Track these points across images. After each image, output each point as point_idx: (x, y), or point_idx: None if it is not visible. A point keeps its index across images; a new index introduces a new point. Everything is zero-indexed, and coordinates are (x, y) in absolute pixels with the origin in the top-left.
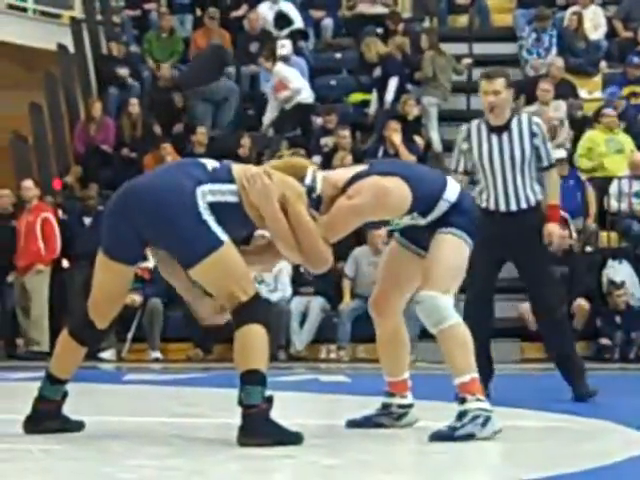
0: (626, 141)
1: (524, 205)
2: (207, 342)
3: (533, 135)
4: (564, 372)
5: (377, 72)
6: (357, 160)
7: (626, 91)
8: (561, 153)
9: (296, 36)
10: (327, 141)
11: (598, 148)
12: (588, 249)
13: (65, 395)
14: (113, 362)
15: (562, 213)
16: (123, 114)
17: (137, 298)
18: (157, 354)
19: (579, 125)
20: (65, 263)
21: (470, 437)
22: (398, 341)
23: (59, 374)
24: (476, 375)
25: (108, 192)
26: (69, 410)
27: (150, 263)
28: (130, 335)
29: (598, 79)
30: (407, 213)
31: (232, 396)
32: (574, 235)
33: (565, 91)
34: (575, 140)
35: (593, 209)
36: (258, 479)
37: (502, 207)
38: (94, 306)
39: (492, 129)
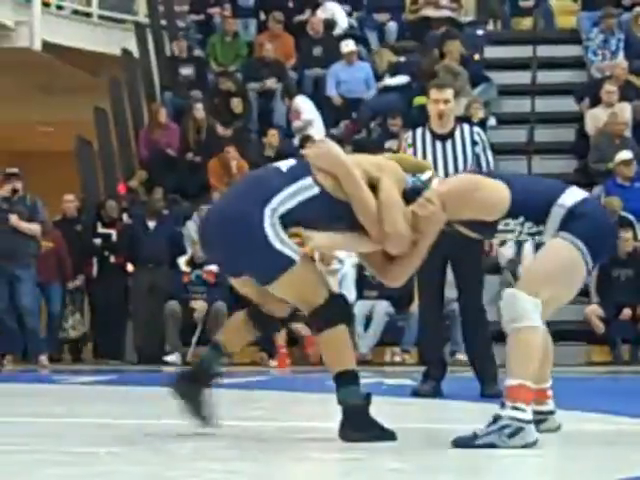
0: None
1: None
2: (272, 345)
3: (474, 143)
4: (478, 369)
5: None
6: None
7: None
8: (627, 154)
9: (358, 39)
10: (391, 144)
11: None
12: None
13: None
14: (178, 366)
15: (628, 215)
16: (188, 118)
17: (201, 305)
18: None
19: None
20: (130, 267)
21: (491, 446)
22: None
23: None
24: (527, 383)
25: (173, 196)
26: (132, 414)
27: (214, 267)
28: (195, 339)
29: None
30: (508, 216)
31: (297, 399)
32: None
33: (630, 93)
34: None
35: None
36: None
37: None
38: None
39: (437, 136)
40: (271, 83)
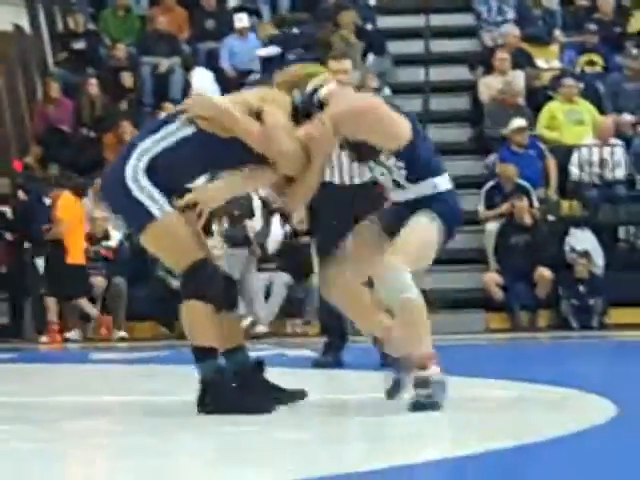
0: (587, 110)
1: (366, 178)
2: (172, 320)
3: None
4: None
5: None
6: None
7: (583, 59)
8: (521, 122)
9: (251, 11)
10: None
11: (557, 119)
12: (550, 218)
13: None
14: (79, 342)
15: (524, 183)
16: (82, 94)
17: (100, 280)
18: (122, 333)
19: (537, 95)
20: (26, 244)
21: (435, 405)
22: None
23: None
24: (428, 351)
25: (68, 172)
26: (32, 391)
27: (113, 242)
28: (95, 314)
29: (555, 48)
30: (396, 154)
31: (196, 373)
32: (535, 204)
33: (522, 60)
34: (535, 109)
35: (554, 179)
36: (228, 456)
37: (346, 180)
38: None
39: None
40: (166, 60)
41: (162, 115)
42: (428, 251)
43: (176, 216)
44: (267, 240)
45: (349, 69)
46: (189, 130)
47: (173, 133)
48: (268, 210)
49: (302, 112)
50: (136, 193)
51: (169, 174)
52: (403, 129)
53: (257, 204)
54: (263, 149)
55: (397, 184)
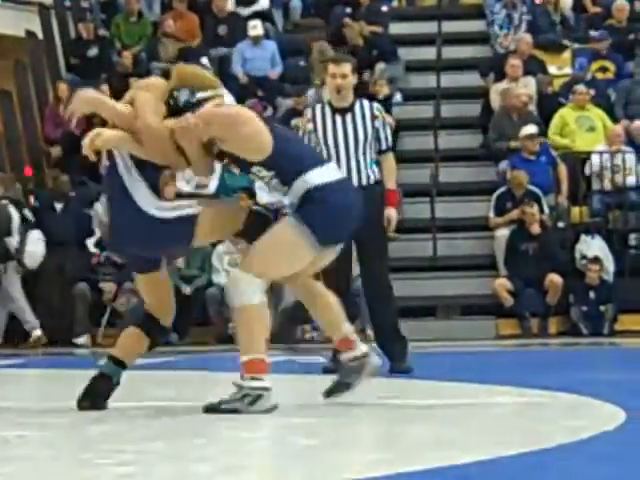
0: (599, 116)
1: (364, 182)
2: (181, 326)
3: (374, 118)
4: (385, 344)
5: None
6: None
7: (595, 66)
8: (532, 129)
9: (263, 17)
10: (297, 122)
11: (568, 126)
12: (560, 225)
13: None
14: (88, 347)
15: (534, 189)
16: None
17: (110, 286)
18: None
19: (549, 101)
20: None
21: (234, 412)
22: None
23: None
24: (259, 356)
25: (81, 178)
26: (45, 396)
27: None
28: (104, 320)
29: (567, 55)
30: (263, 165)
31: (206, 379)
32: (546, 211)
33: (534, 67)
34: (546, 116)
35: (565, 185)
36: (238, 461)
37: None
38: None
39: (336, 110)
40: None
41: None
42: (283, 253)
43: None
44: (24, 256)
45: (348, 73)
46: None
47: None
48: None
49: (178, 108)
50: (164, 214)
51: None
52: (265, 141)
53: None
54: (132, 127)
55: (281, 191)
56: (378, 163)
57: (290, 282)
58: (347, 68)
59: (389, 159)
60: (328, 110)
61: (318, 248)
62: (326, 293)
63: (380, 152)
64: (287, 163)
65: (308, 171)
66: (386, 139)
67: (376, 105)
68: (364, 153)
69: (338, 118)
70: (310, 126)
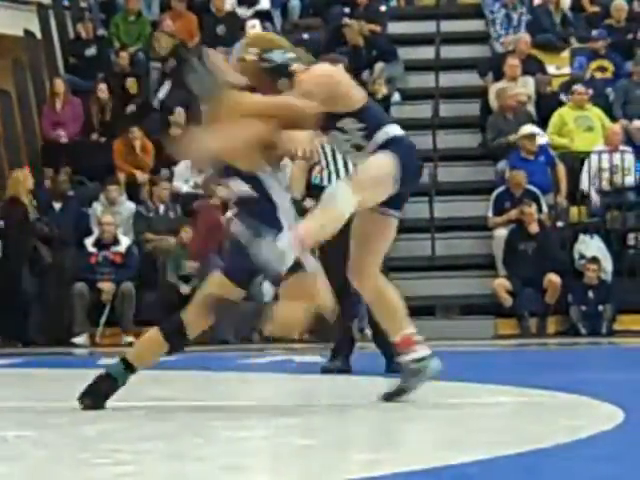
0: (597, 116)
1: None
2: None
3: None
4: (383, 343)
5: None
6: None
7: (593, 65)
8: (530, 128)
9: (262, 17)
10: None
11: (567, 126)
12: (559, 224)
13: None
14: (86, 347)
15: (533, 189)
16: (92, 99)
17: (108, 285)
18: (130, 338)
19: (548, 101)
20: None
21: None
22: (385, 302)
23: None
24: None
25: (79, 177)
26: (43, 396)
27: (122, 247)
28: (103, 319)
29: (566, 54)
30: (353, 115)
31: (205, 378)
32: (545, 211)
33: (532, 67)
34: (545, 116)
35: (564, 185)
36: (236, 461)
37: None
38: None
39: None
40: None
41: None
42: (382, 180)
43: None
44: None
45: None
46: None
47: None
48: None
49: (277, 68)
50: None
51: None
52: (358, 93)
53: None
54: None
55: (358, 148)
56: None
57: (361, 284)
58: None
59: None
60: None
61: (396, 187)
62: (393, 294)
63: None
64: (372, 116)
65: (387, 124)
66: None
67: None
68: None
69: None
70: None
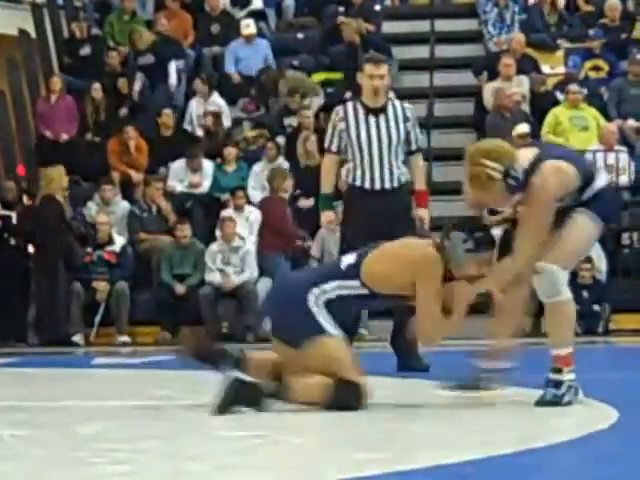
0: (592, 115)
1: (396, 184)
2: (175, 325)
3: (406, 119)
4: (400, 345)
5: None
6: (320, 140)
7: (588, 65)
8: (524, 128)
9: (257, 16)
10: (290, 121)
11: (562, 125)
12: None
13: None
14: (82, 347)
15: None
16: (86, 98)
17: (103, 285)
18: (125, 337)
19: (542, 100)
20: (30, 249)
21: (569, 404)
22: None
23: None
24: (572, 350)
25: (73, 177)
26: (38, 395)
27: (116, 247)
28: (97, 319)
29: (560, 54)
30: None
31: (200, 378)
32: None
33: (527, 66)
34: (539, 115)
35: None
36: (232, 460)
37: (377, 185)
38: None
39: (370, 111)
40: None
41: (344, 263)
42: (584, 247)
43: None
44: None
45: (385, 74)
46: (364, 291)
47: (352, 288)
48: None
49: (518, 184)
50: (315, 313)
51: (335, 314)
52: (573, 179)
53: None
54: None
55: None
56: (404, 163)
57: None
58: (384, 69)
59: (419, 160)
60: (361, 110)
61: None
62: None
63: (410, 153)
64: (585, 175)
65: (595, 176)
66: (416, 140)
67: (407, 106)
68: (396, 154)
69: (372, 119)
70: (342, 125)
